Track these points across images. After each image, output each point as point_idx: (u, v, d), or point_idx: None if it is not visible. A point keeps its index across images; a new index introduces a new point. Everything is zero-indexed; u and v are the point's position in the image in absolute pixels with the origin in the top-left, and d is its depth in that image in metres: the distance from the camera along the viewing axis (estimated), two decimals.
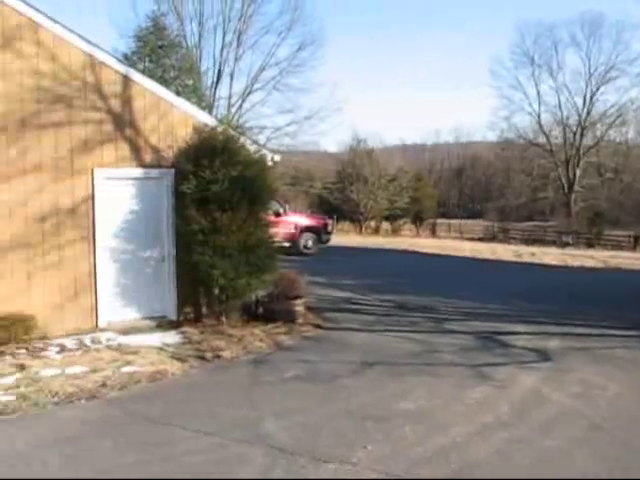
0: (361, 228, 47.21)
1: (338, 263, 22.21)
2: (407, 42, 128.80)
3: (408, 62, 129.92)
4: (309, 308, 12.16)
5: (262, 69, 30.11)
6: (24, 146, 10.04)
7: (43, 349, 9.29)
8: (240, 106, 30.38)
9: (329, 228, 26.18)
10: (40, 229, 10.14)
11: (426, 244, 34.59)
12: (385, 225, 50.49)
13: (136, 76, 11.02)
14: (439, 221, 54.15)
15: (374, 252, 28.72)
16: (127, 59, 24.17)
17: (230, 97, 30.48)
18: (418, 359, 9.25)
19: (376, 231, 48.58)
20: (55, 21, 10.25)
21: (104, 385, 7.83)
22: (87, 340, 9.73)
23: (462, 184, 76.91)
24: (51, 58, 10.22)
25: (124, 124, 10.74)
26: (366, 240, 37.32)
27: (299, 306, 11.60)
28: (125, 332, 10.25)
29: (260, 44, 32.00)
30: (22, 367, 8.41)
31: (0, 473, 5.45)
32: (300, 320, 11.33)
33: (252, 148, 11.39)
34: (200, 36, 30.55)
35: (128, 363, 8.67)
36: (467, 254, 28.79)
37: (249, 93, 30.40)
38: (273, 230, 12.05)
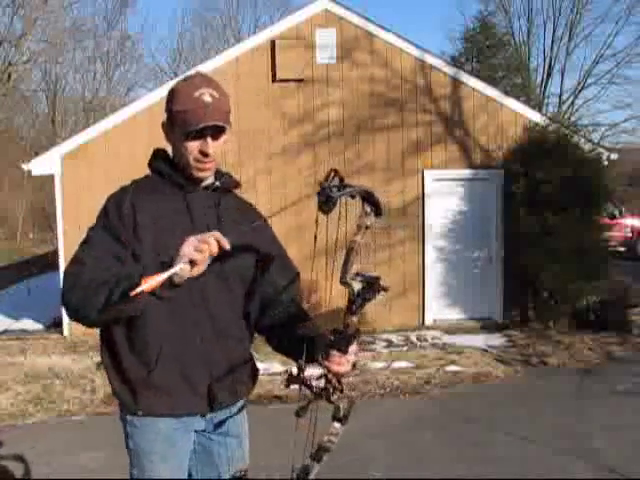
0: None
1: None
2: None
3: None
4: None
5: (596, 62, 28.20)
6: (359, 149, 10.69)
7: (371, 342, 9.78)
8: (572, 103, 28.84)
9: None
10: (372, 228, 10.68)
11: None
12: None
13: (464, 77, 11.06)
14: None
15: None
16: (454, 61, 24.48)
17: (561, 94, 29.12)
18: None
19: None
20: (387, 30, 10.75)
21: (428, 382, 7.96)
22: (413, 337, 10.01)
23: None
24: (384, 65, 10.73)
25: (453, 125, 10.85)
26: None
27: (635, 315, 10.71)
28: (450, 331, 10.35)
29: (594, 35, 30.15)
30: None
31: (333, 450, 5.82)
32: (636, 331, 10.41)
33: (586, 147, 10.75)
34: (529, 32, 29.61)
35: (452, 362, 8.71)
36: None
37: (582, 89, 28.69)
38: (608, 233, 11.23)
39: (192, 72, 2.39)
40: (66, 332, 10.41)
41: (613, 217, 20.64)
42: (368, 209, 1.89)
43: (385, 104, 10.73)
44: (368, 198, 1.88)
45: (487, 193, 10.90)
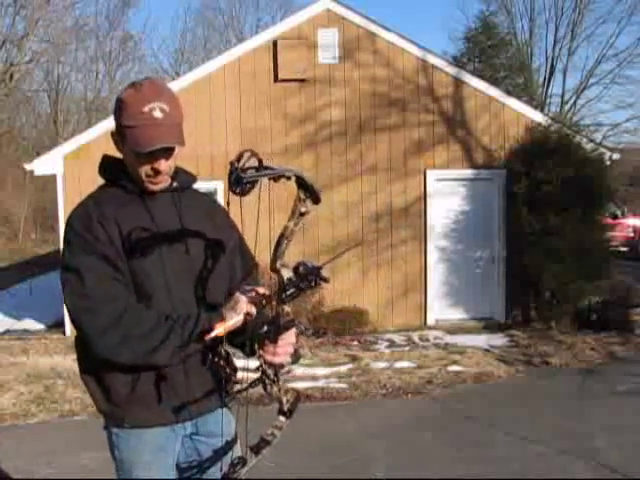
0: None
1: None
2: None
3: None
4: None
5: (598, 62, 28.10)
6: (361, 149, 10.69)
7: (374, 342, 9.78)
8: (574, 103, 28.77)
9: None
10: (374, 228, 10.69)
11: None
12: None
13: (466, 77, 11.06)
14: None
15: None
16: (456, 61, 24.46)
17: (563, 94, 29.04)
18: None
19: None
20: (389, 29, 10.74)
21: (429, 382, 7.95)
22: (415, 337, 10.00)
23: None
24: (386, 65, 10.72)
25: (455, 125, 10.84)
26: None
27: (637, 315, 10.70)
28: (452, 331, 10.34)
29: (596, 35, 30.08)
30: (354, 358, 8.92)
31: (334, 450, 5.82)
32: (638, 331, 10.40)
33: (588, 147, 10.74)
34: (531, 32, 29.51)
35: (454, 362, 8.69)
36: None
37: (584, 89, 28.61)
38: (610, 233, 11.22)
39: (142, 78, 2.26)
40: (68, 332, 10.40)
41: (615, 217, 20.61)
42: (303, 195, 1.83)
43: (387, 104, 10.73)
44: (303, 184, 1.82)
45: (489, 193, 10.89)
